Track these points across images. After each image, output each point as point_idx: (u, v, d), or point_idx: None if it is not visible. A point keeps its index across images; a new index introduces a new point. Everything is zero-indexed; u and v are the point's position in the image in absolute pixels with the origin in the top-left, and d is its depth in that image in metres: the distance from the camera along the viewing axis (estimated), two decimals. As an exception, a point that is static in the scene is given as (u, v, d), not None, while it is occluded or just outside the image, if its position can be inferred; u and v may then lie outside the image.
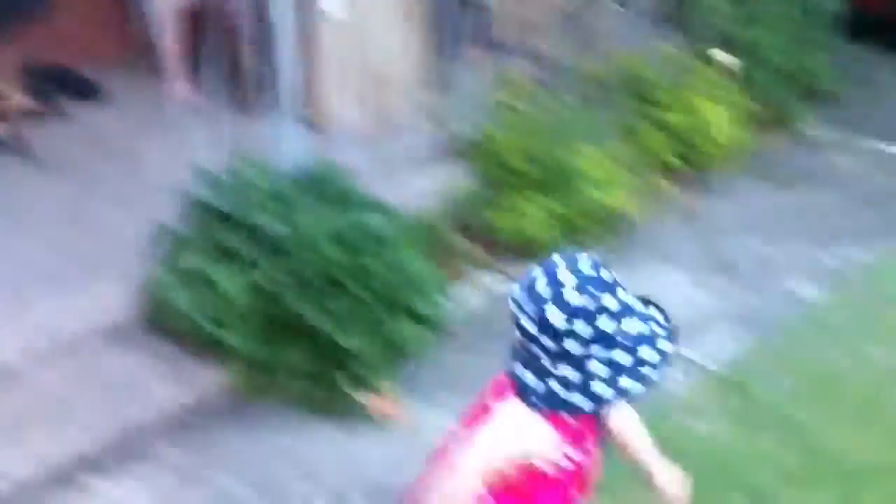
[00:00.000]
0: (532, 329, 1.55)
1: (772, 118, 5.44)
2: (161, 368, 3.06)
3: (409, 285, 3.29)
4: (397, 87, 4.34)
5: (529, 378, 1.59)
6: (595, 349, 1.52)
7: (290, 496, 2.75)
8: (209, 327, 3.09)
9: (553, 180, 4.12)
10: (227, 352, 3.10)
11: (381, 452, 2.93)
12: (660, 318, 1.59)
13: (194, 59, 3.94)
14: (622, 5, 5.19)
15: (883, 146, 5.35)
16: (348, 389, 3.03)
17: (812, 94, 5.69)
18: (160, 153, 3.47)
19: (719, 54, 5.22)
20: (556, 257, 1.60)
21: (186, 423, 2.97)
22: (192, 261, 3.21)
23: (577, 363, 1.54)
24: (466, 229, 4.12)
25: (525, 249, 4.07)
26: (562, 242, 4.08)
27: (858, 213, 4.62)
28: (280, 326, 3.12)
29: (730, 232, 4.43)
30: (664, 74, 4.98)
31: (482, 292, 3.84)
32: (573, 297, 1.52)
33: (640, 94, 4.90)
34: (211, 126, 3.60)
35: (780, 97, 5.43)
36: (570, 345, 1.53)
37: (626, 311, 1.54)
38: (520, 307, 1.57)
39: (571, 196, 4.14)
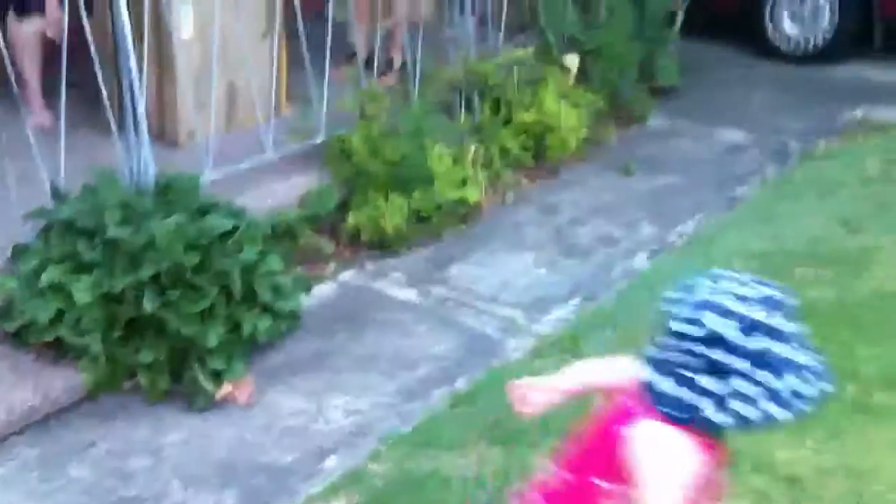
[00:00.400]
0: (685, 334, 1.49)
1: (619, 112, 5.81)
2: (20, 375, 3.18)
3: (264, 282, 3.49)
4: (257, 101, 4.53)
5: (668, 387, 1.53)
6: (745, 365, 1.46)
7: (147, 481, 2.90)
8: (67, 335, 3.23)
9: (409, 180, 4.37)
10: (85, 356, 3.24)
11: (235, 435, 3.11)
12: (818, 357, 1.52)
13: (52, 83, 4.08)
14: (475, 14, 5.48)
15: (719, 131, 5.77)
16: (204, 381, 3.21)
17: (656, 89, 6.10)
18: (21, 176, 3.60)
19: (567, 57, 5.56)
20: (721, 270, 1.56)
21: (46, 424, 3.11)
22: (49, 275, 3.34)
23: (724, 376, 1.47)
24: (327, 230, 4.34)
25: (383, 245, 4.33)
26: (414, 234, 4.34)
27: (694, 192, 4.98)
28: (137, 329, 3.28)
29: (578, 217, 4.74)
30: (516, 78, 5.29)
31: (340, 286, 4.06)
32: (737, 307, 1.47)
33: (493, 96, 5.21)
34: (69, 148, 3.75)
35: (625, 93, 5.81)
36: (721, 356, 1.47)
37: (786, 336, 1.48)
38: (676, 310, 1.52)
39: (427, 193, 4.39)
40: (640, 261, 4.29)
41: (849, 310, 3.62)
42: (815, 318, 3.54)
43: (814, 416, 2.87)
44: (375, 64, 4.96)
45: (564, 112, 5.15)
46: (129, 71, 3.71)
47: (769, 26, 7.09)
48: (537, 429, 3.05)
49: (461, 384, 3.38)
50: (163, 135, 4.63)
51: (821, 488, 2.69)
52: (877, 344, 3.36)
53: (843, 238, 4.24)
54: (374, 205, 4.27)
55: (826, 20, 6.90)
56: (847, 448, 2.85)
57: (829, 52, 6.93)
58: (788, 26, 7.03)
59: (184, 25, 4.44)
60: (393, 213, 4.23)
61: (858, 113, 5.97)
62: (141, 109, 3.73)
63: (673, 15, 6.16)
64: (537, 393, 1.90)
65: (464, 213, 4.61)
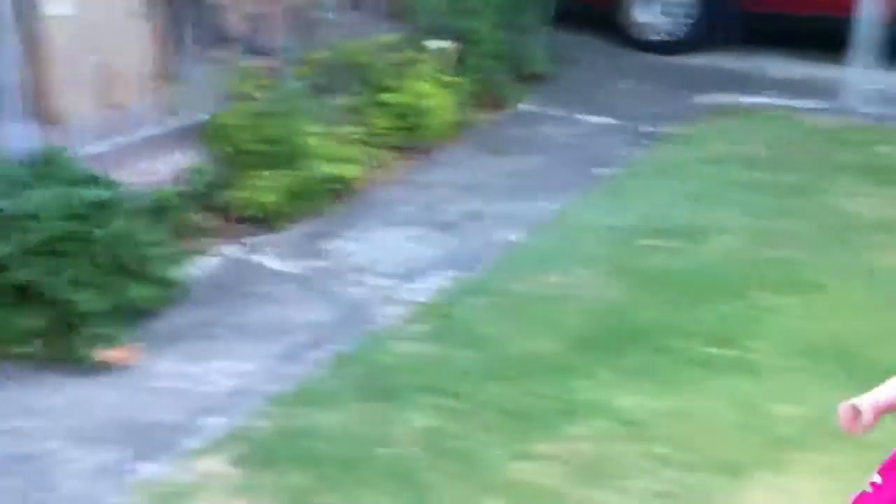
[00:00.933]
0: None
1: (489, 97, 6.11)
2: None
3: (143, 253, 3.63)
4: (131, 80, 4.62)
5: None
6: None
7: (35, 440, 3.02)
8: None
9: (283, 158, 4.55)
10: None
11: (120, 397, 3.25)
12: None
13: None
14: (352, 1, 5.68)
15: (584, 117, 6.13)
16: (88, 347, 3.33)
17: (528, 76, 6.43)
18: None
19: (438, 42, 5.82)
20: None
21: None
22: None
23: None
24: (206, 206, 4.48)
25: (263, 221, 4.49)
26: (292, 211, 4.53)
27: (559, 172, 5.31)
28: (20, 296, 3.38)
29: (449, 195, 5.00)
30: (388, 61, 5.52)
31: (221, 260, 4.22)
32: None
33: (366, 79, 5.43)
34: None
35: (495, 78, 6.11)
36: None
37: None
38: None
39: (301, 171, 4.58)
40: (507, 235, 4.58)
41: (687, 275, 4.00)
42: (658, 282, 3.95)
43: (650, 368, 3.23)
44: (252, 46, 5.11)
45: (436, 95, 5.40)
46: (2, 47, 3.77)
47: (635, 18, 7.51)
48: (409, 386, 3.31)
49: (338, 348, 3.59)
50: (41, 111, 4.65)
51: (657, 429, 3.02)
52: (710, 304, 3.73)
53: (687, 212, 4.63)
54: (253, 182, 4.43)
55: (687, 13, 7.37)
56: (680, 395, 3.19)
57: (690, 43, 7.41)
58: (653, 19, 7.47)
59: (58, 2, 4.49)
60: (270, 189, 4.40)
61: (711, 99, 6.43)
62: (13, 85, 3.80)
63: (545, 5, 6.49)
64: (866, 411, 1.80)
65: (341, 191, 4.81)
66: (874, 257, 4.11)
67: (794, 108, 6.20)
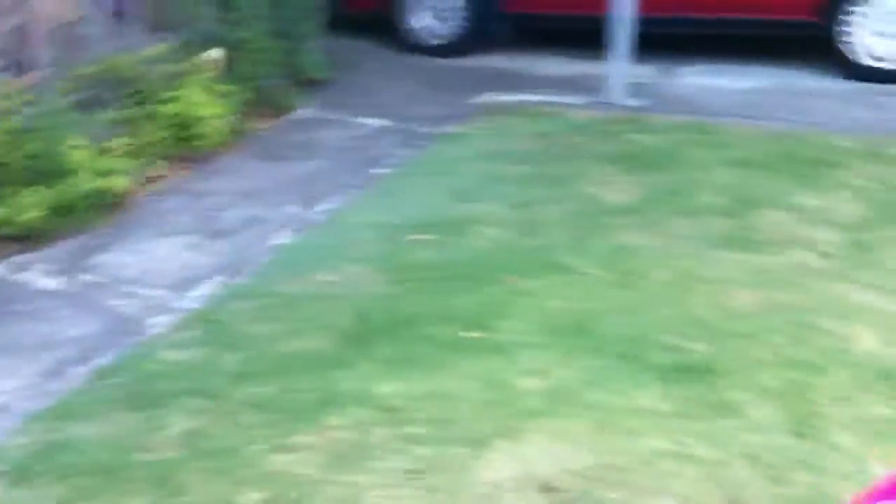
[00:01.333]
0: None
1: (266, 105, 6.19)
2: None
3: None
4: None
5: None
6: None
7: None
8: None
9: (45, 173, 4.47)
10: None
11: None
12: None
13: None
14: (116, 11, 5.61)
15: (362, 120, 6.30)
16: None
17: (304, 82, 6.54)
18: None
19: (210, 52, 5.84)
20: None
21: None
22: None
23: None
24: (-36, 227, 4.35)
25: (24, 238, 4.40)
26: (59, 227, 4.46)
27: (337, 175, 5.45)
28: None
29: (226, 203, 5.04)
30: (159, 73, 5.50)
31: (-20, 280, 4.12)
32: None
33: (137, 91, 5.39)
34: None
35: (271, 86, 6.19)
36: None
37: None
38: None
39: (66, 186, 4.51)
40: (284, 237, 4.67)
41: (450, 266, 4.21)
42: (423, 274, 4.15)
43: (409, 356, 3.40)
44: (13, 61, 4.97)
45: (208, 104, 5.43)
46: None
47: (410, 23, 7.76)
48: (172, 392, 3.36)
49: (102, 361, 3.59)
50: None
51: (412, 412, 3.19)
52: (469, 292, 3.96)
53: (454, 207, 4.86)
54: (13, 199, 4.34)
55: (457, 17, 7.68)
56: (436, 379, 3.38)
57: (464, 46, 7.73)
58: (427, 23, 7.74)
59: None
60: (32, 206, 4.32)
61: (484, 99, 6.74)
62: None
63: (319, 12, 6.62)
64: None
65: (111, 205, 4.77)
66: (618, 238, 4.46)
67: (561, 105, 6.59)
